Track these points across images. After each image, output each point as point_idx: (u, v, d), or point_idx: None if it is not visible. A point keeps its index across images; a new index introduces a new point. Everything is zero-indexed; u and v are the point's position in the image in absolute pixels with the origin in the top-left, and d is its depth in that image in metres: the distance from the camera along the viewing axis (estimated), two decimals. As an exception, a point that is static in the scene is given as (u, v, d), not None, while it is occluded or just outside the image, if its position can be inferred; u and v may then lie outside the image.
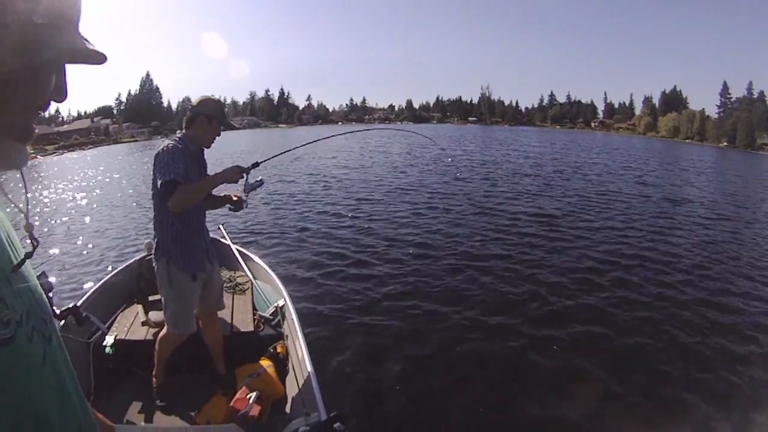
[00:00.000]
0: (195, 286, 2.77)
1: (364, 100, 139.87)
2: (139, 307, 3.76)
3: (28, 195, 0.85)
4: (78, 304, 3.15)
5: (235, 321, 3.62)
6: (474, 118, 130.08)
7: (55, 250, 8.68)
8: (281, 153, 3.44)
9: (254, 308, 3.87)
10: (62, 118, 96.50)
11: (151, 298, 3.76)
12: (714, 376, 4.01)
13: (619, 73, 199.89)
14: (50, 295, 2.54)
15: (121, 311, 3.80)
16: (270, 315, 3.67)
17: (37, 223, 11.78)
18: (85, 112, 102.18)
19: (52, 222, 12.05)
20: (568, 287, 5.84)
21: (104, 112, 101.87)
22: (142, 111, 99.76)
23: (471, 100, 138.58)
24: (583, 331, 4.75)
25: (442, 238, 7.98)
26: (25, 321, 0.63)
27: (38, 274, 2.38)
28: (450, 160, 22.48)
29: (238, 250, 4.83)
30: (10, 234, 0.73)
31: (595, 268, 6.61)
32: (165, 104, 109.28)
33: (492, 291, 5.67)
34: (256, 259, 4.64)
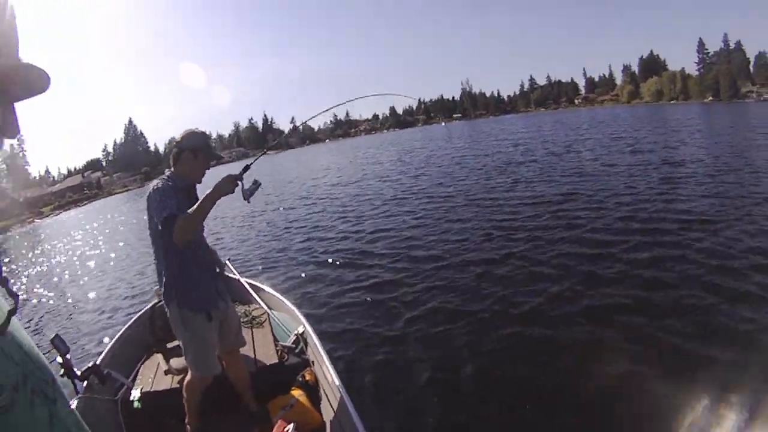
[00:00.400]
0: (211, 325, 2.71)
1: (347, 113, 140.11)
2: (159, 356, 3.69)
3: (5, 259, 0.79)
4: (98, 362, 3.10)
5: (258, 355, 3.55)
6: (459, 115, 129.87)
7: (66, 311, 8.65)
8: (263, 152, 3.31)
9: (275, 339, 3.80)
10: (53, 177, 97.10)
11: (169, 345, 3.70)
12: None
13: (593, 46, 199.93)
14: (68, 357, 2.49)
15: (143, 363, 3.75)
16: (292, 344, 3.61)
17: (40, 290, 11.75)
18: (75, 168, 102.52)
19: (59, 283, 12.03)
20: (588, 269, 5.68)
21: (94, 165, 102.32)
22: (130, 159, 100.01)
23: (453, 98, 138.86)
24: (622, 311, 4.58)
25: (449, 241, 7.86)
26: (21, 385, 0.59)
27: (52, 337, 2.33)
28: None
29: (248, 282, 4.77)
30: None
31: (612, 241, 6.52)
32: (152, 148, 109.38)
33: (511, 287, 5.51)
34: (268, 289, 4.58)
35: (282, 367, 3.43)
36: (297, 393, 3.05)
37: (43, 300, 10.42)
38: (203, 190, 2.49)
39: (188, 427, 2.95)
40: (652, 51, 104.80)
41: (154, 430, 3.12)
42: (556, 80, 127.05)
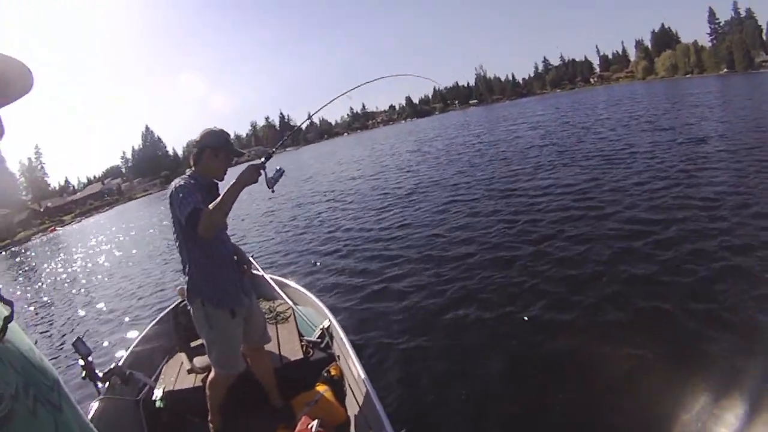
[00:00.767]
0: (235, 322, 2.67)
1: (363, 106, 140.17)
2: (182, 356, 3.67)
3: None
4: (120, 363, 3.11)
5: (282, 351, 3.51)
6: (475, 101, 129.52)
7: (88, 314, 8.75)
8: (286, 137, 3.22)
9: (300, 334, 3.75)
10: (73, 187, 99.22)
11: (192, 344, 3.66)
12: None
13: (605, 22, 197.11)
14: (89, 359, 2.46)
15: (165, 362, 3.75)
16: (317, 338, 3.55)
17: (62, 295, 11.95)
18: (95, 176, 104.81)
19: (81, 287, 12.23)
20: (624, 258, 5.31)
21: (113, 172, 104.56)
22: (149, 164, 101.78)
23: (468, 84, 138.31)
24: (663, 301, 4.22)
25: (474, 233, 7.55)
26: (23, 393, 0.56)
27: (74, 341, 2.30)
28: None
29: (273, 278, 4.72)
30: None
31: (643, 230, 6.05)
32: (171, 152, 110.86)
33: (543, 278, 5.21)
34: (292, 284, 4.54)
35: (307, 362, 3.38)
36: (322, 388, 3.00)
37: (66, 304, 10.63)
38: (224, 188, 2.44)
39: (211, 425, 2.93)
40: (663, 24, 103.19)
41: (177, 429, 3.11)
42: (570, 59, 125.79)
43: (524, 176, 11.46)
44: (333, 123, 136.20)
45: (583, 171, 10.65)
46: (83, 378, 2.80)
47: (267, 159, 2.52)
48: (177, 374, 3.46)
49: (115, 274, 12.77)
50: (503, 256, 6.11)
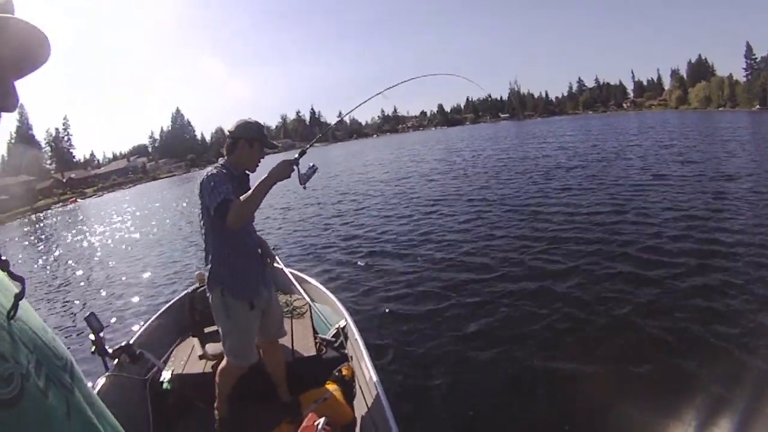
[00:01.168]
0: (253, 314, 2.66)
1: (395, 109, 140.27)
2: (195, 341, 3.67)
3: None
4: (131, 342, 3.12)
5: (296, 346, 3.49)
6: (506, 115, 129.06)
7: (103, 290, 8.85)
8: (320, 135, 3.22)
9: (315, 331, 3.73)
10: (98, 161, 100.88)
11: (206, 330, 3.66)
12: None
13: (642, 48, 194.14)
14: (101, 335, 2.47)
15: (177, 345, 3.76)
16: (332, 337, 3.54)
17: (79, 268, 12.07)
18: (121, 153, 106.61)
19: (99, 261, 12.37)
20: (638, 287, 5.23)
21: (139, 151, 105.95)
22: (176, 146, 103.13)
23: (501, 97, 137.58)
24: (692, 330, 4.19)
25: (494, 244, 7.57)
26: (35, 373, 0.54)
27: (87, 315, 2.32)
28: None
29: (292, 273, 4.72)
30: None
31: (665, 263, 5.89)
32: (198, 137, 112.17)
33: (562, 299, 5.15)
34: (311, 281, 4.53)
35: (319, 360, 3.36)
36: (332, 387, 2.96)
37: (82, 278, 10.75)
38: (255, 179, 2.43)
39: (216, 412, 2.91)
40: (700, 55, 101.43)
41: (181, 413, 3.12)
42: (604, 82, 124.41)
43: (550, 197, 11.35)
44: (363, 123, 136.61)
45: (609, 198, 10.47)
46: (92, 353, 2.81)
47: (301, 155, 2.51)
48: (187, 358, 3.46)
49: (135, 250, 12.95)
50: (525, 274, 6.05)
